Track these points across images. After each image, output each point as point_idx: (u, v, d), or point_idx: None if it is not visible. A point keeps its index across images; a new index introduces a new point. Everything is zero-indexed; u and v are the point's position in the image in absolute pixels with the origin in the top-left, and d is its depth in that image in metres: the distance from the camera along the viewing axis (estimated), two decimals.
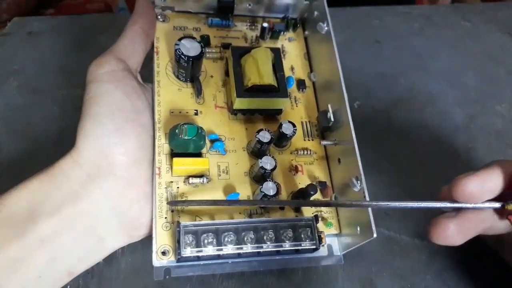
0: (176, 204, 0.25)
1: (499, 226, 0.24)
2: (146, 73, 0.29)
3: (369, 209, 0.24)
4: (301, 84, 0.31)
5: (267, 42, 0.32)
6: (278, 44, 0.32)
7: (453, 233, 0.23)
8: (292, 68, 0.32)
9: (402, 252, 0.31)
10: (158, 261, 0.24)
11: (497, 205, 0.23)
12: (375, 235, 0.23)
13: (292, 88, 0.31)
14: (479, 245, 0.31)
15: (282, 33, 0.32)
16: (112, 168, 0.24)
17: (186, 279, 0.27)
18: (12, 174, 0.30)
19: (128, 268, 0.28)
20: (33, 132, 0.33)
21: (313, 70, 0.32)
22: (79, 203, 0.23)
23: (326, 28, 0.29)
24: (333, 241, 0.27)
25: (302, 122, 0.30)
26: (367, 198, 0.24)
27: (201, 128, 0.26)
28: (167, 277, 0.24)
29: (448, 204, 0.24)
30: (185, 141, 0.25)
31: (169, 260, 0.24)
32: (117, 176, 0.24)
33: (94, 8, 0.77)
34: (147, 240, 0.25)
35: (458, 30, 0.48)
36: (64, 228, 0.23)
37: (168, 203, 0.25)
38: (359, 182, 0.25)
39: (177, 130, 0.25)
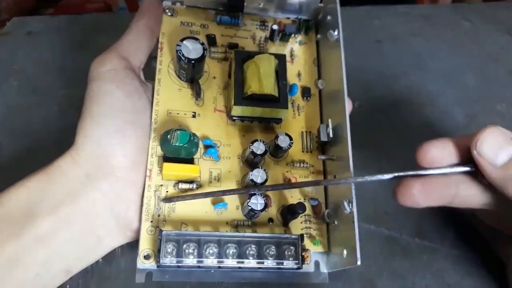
0: (170, 201, 0.25)
1: (468, 195, 0.24)
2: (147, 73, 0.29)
3: (356, 234, 0.23)
4: (306, 92, 0.30)
5: (276, 44, 0.31)
6: (288, 47, 0.31)
7: (417, 193, 0.24)
8: (299, 74, 0.31)
9: (403, 251, 0.31)
10: (141, 264, 0.24)
11: (467, 168, 0.23)
12: (359, 263, 0.22)
13: (296, 96, 0.30)
14: (479, 244, 0.31)
15: (292, 35, 0.31)
16: (111, 169, 0.24)
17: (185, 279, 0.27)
18: (12, 174, 0.30)
19: (128, 267, 0.28)
20: (33, 132, 0.33)
21: (321, 77, 0.31)
22: (77, 202, 0.23)
23: (336, 36, 0.28)
24: (321, 258, 0.27)
25: (302, 133, 0.29)
26: (356, 224, 0.23)
27: (194, 135, 0.25)
28: (167, 276, 0.24)
29: (413, 172, 0.24)
30: (176, 148, 0.25)
31: (151, 264, 0.24)
32: (116, 177, 0.24)
33: (94, 7, 0.77)
34: None
35: (458, 30, 0.48)
36: (62, 227, 0.23)
37: (162, 200, 0.25)
38: (350, 205, 0.24)
39: (168, 136, 0.24)
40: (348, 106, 0.26)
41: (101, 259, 0.26)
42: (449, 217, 0.33)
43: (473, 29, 0.48)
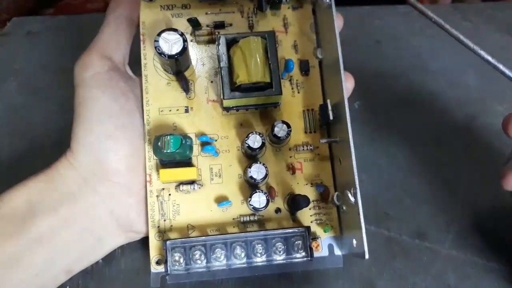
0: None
1: None
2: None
3: (363, 231, 0.22)
4: (304, 66, 0.27)
5: (267, 15, 0.28)
6: (281, 15, 0.28)
7: None
8: (295, 45, 0.28)
9: (403, 252, 0.31)
10: (154, 269, 0.24)
11: None
12: (367, 257, 0.22)
13: (294, 72, 0.28)
14: (480, 246, 0.31)
15: (284, 0, 0.28)
16: (107, 174, 0.24)
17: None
18: (12, 174, 0.30)
19: (128, 268, 0.28)
20: (33, 132, 0.33)
21: (320, 45, 0.28)
22: (76, 204, 0.23)
23: (328, 1, 0.25)
24: (335, 241, 0.27)
25: (303, 111, 0.27)
26: (361, 214, 0.22)
27: (186, 137, 0.25)
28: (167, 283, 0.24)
29: None
30: (170, 154, 0.24)
31: (163, 268, 0.24)
32: (113, 182, 0.24)
33: (94, 7, 0.77)
34: (147, 240, 0.25)
35: (458, 30, 0.48)
36: (62, 227, 0.23)
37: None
38: (354, 196, 0.23)
39: (159, 143, 0.23)
40: (350, 81, 0.25)
41: (101, 259, 0.26)
42: (450, 219, 0.33)
43: (473, 29, 0.48)
